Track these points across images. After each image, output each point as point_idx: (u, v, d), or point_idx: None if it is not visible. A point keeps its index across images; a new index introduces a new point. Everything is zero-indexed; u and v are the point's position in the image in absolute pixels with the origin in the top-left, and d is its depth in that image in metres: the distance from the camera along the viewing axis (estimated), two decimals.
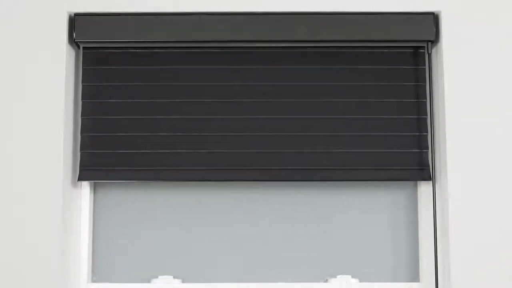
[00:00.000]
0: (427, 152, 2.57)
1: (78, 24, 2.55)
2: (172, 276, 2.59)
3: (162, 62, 2.61)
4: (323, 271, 2.60)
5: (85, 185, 2.64)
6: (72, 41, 2.58)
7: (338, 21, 2.55)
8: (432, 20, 2.56)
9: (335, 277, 2.59)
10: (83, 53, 2.62)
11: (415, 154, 2.56)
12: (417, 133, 2.57)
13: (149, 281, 2.60)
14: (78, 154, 2.60)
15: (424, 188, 2.62)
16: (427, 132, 2.57)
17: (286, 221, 2.63)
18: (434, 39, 2.56)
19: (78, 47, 2.64)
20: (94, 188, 2.67)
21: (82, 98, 2.60)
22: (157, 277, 2.60)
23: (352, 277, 2.59)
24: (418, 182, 2.64)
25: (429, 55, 2.59)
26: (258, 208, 2.63)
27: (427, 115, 2.58)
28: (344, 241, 2.62)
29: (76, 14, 2.55)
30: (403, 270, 2.60)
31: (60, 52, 2.52)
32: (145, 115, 2.58)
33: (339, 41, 2.57)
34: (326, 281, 2.60)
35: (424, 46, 2.62)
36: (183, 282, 2.60)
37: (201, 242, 2.62)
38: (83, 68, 2.61)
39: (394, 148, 2.55)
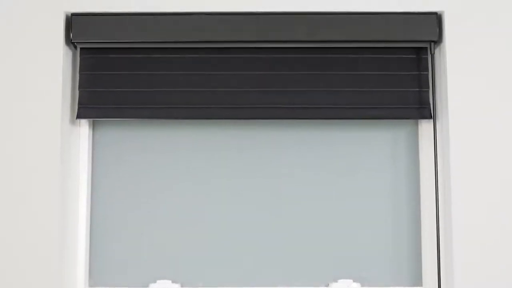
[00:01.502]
0: (427, 91, 2.56)
1: (75, 24, 2.53)
2: (170, 281, 2.57)
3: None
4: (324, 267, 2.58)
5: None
6: (69, 41, 2.56)
7: (338, 21, 2.53)
8: (435, 20, 2.54)
9: (337, 281, 2.56)
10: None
11: (415, 92, 2.55)
12: (417, 72, 2.56)
13: (147, 286, 2.57)
14: (77, 92, 2.59)
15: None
16: (427, 72, 2.57)
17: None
18: (437, 39, 2.54)
19: (75, 47, 2.62)
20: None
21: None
22: (155, 282, 2.57)
23: (354, 281, 2.56)
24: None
25: (432, 55, 2.57)
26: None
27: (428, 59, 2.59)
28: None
29: (73, 14, 2.53)
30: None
31: (57, 53, 2.50)
32: (144, 54, 2.58)
33: (339, 41, 2.55)
34: (327, 285, 2.57)
35: (427, 47, 2.59)
36: (181, 286, 2.57)
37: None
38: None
39: (394, 87, 2.55)
